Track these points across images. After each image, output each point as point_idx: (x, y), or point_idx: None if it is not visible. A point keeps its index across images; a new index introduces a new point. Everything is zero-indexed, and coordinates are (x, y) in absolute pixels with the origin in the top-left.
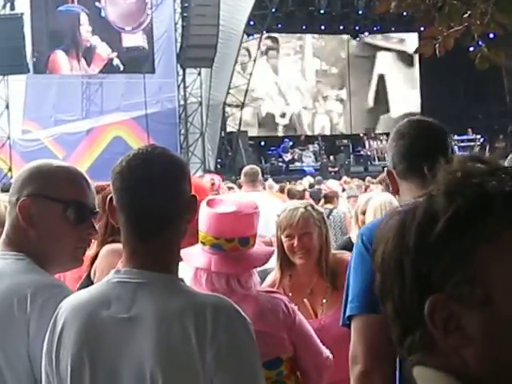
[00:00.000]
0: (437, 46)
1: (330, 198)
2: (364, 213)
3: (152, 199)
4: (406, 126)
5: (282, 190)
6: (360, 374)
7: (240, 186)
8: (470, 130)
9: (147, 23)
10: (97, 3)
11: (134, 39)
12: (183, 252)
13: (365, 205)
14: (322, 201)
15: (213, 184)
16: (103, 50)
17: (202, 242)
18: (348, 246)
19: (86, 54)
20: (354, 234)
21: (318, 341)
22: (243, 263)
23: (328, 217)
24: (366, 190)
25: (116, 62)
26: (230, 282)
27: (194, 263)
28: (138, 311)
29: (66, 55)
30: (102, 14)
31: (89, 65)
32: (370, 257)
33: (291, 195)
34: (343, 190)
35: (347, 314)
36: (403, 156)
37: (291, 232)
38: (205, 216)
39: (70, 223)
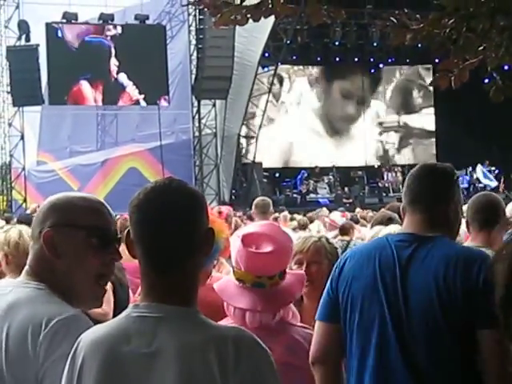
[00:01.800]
0: (452, 78)
1: (347, 230)
2: None
3: (170, 232)
4: (416, 169)
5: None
6: (311, 363)
7: (251, 218)
8: (487, 162)
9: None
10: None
11: None
12: (220, 289)
13: None
14: (338, 232)
15: (220, 212)
16: (133, 91)
17: (239, 280)
18: None
19: (115, 90)
20: None
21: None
22: (284, 297)
23: (345, 249)
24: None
25: (143, 103)
26: (263, 316)
27: (238, 304)
28: (159, 346)
29: (90, 86)
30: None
31: (116, 101)
32: (331, 278)
33: (300, 227)
34: (355, 221)
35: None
36: (405, 194)
37: (300, 258)
38: (243, 255)
39: (93, 249)
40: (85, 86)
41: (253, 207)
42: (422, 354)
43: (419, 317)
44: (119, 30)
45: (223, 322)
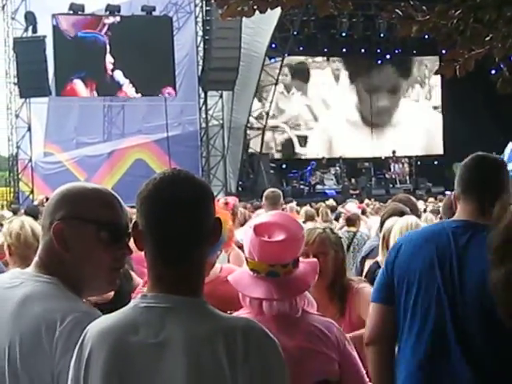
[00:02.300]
0: (457, 67)
1: (353, 221)
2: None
3: (181, 223)
4: (467, 159)
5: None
6: (365, 344)
7: (258, 209)
8: (493, 153)
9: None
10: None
11: None
12: (234, 281)
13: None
14: (344, 223)
15: (226, 203)
16: (129, 90)
17: (253, 270)
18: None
19: (111, 87)
20: (381, 258)
21: (363, 371)
22: (299, 285)
23: (352, 240)
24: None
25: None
26: (280, 305)
27: (253, 294)
28: (167, 336)
29: (84, 85)
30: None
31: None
32: (386, 262)
33: (307, 218)
34: (363, 212)
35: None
36: (458, 184)
37: (306, 250)
38: (256, 245)
39: (103, 244)
40: (79, 84)
41: (263, 199)
42: (477, 338)
43: (474, 303)
44: (118, 18)
45: (239, 313)
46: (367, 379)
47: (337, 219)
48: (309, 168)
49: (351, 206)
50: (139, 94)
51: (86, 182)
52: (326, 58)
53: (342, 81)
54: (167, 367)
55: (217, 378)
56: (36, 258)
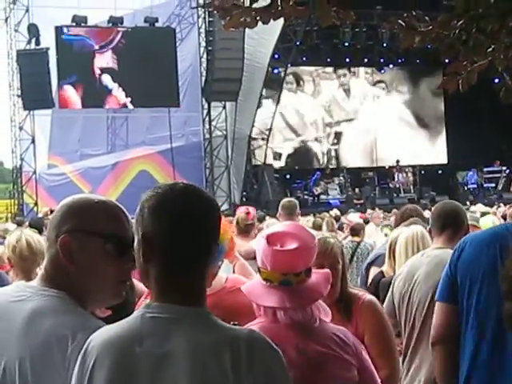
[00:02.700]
0: (460, 81)
1: (357, 231)
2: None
3: (189, 235)
4: None
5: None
6: (431, 344)
7: (260, 220)
8: (498, 162)
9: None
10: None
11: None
12: (247, 291)
13: None
14: (348, 233)
15: (248, 213)
16: (119, 94)
17: (266, 279)
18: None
19: (100, 93)
20: (386, 268)
21: (378, 378)
22: (311, 294)
23: (356, 250)
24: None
25: (130, 106)
26: (293, 313)
27: (266, 302)
28: (171, 347)
29: (74, 90)
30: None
31: (103, 104)
32: (450, 261)
33: (315, 227)
34: (365, 222)
35: (435, 298)
36: None
37: (322, 260)
38: (268, 254)
39: (110, 257)
40: (69, 91)
41: (279, 208)
42: None
43: None
44: (121, 30)
45: (253, 323)
46: None
47: (340, 229)
48: (313, 178)
49: (353, 217)
50: (129, 98)
51: (91, 194)
52: (333, 69)
53: (353, 91)
54: (171, 378)
55: None
56: (42, 271)
